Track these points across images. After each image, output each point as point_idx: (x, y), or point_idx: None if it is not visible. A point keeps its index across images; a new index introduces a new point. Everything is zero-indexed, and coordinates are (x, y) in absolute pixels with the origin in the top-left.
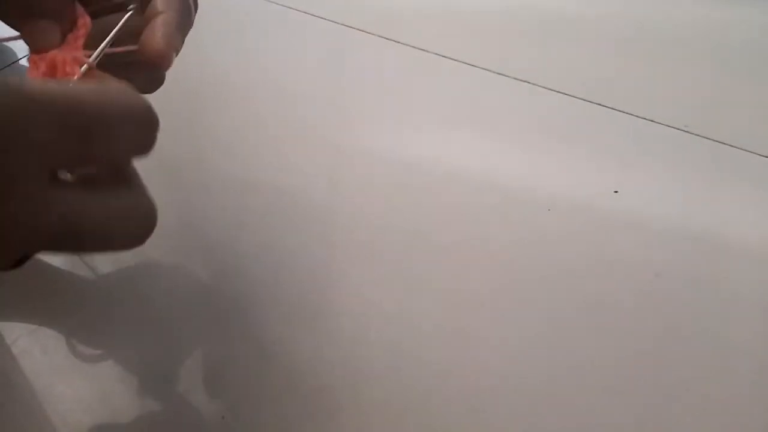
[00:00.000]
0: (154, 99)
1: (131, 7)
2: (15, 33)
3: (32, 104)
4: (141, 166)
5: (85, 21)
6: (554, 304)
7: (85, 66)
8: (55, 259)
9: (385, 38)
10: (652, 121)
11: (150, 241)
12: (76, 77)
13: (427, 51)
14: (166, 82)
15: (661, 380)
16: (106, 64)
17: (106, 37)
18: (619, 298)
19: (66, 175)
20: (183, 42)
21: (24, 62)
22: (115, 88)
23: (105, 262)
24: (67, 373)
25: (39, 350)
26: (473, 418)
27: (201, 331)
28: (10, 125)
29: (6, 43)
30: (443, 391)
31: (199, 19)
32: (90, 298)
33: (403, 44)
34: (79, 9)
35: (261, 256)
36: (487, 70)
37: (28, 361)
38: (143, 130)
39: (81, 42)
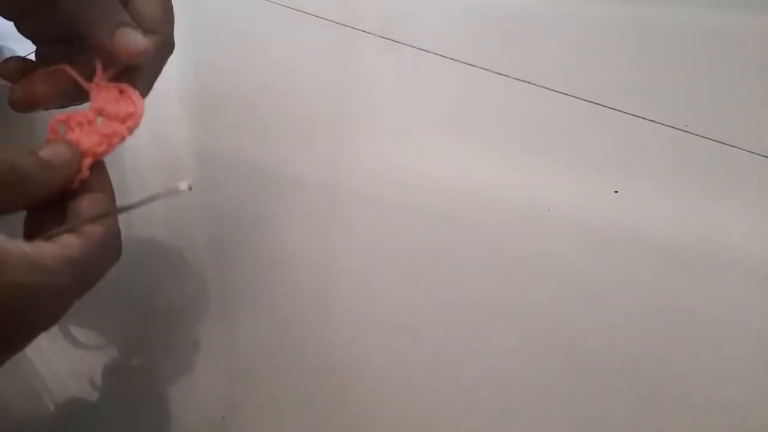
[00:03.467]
0: (152, 99)
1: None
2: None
3: None
4: (142, 161)
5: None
6: (553, 304)
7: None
8: None
9: (385, 38)
10: (652, 121)
11: (149, 239)
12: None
13: (427, 51)
14: (165, 83)
15: (660, 380)
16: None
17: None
18: (618, 297)
19: None
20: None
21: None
22: None
23: None
24: (66, 372)
25: (45, 342)
26: (473, 418)
27: (200, 330)
28: None
29: (4, 44)
30: (443, 391)
31: (200, 19)
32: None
33: (404, 44)
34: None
35: (260, 256)
36: (487, 70)
37: (32, 351)
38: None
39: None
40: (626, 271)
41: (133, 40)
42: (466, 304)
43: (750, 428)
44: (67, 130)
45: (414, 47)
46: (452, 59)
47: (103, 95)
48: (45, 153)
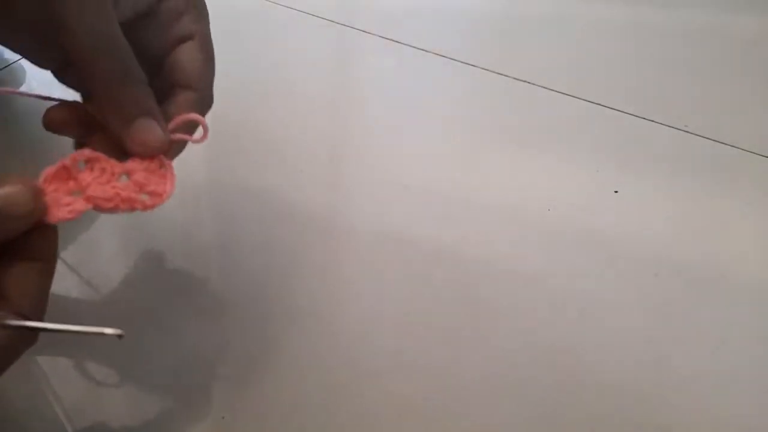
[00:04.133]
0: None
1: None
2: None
3: None
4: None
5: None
6: (553, 304)
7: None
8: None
9: (385, 38)
10: (652, 121)
11: (151, 242)
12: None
13: (427, 51)
14: None
15: (660, 379)
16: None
17: None
18: (618, 298)
19: None
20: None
21: (23, 64)
22: None
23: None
24: (69, 371)
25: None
26: (473, 418)
27: (201, 331)
28: None
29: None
30: (443, 393)
31: None
32: (90, 295)
33: (404, 44)
34: None
35: (261, 258)
36: (487, 70)
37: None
38: None
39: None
40: (626, 271)
41: (153, 136)
42: (466, 303)
43: (750, 427)
44: (85, 169)
45: (414, 47)
46: (452, 59)
47: (142, 162)
48: (1, 195)
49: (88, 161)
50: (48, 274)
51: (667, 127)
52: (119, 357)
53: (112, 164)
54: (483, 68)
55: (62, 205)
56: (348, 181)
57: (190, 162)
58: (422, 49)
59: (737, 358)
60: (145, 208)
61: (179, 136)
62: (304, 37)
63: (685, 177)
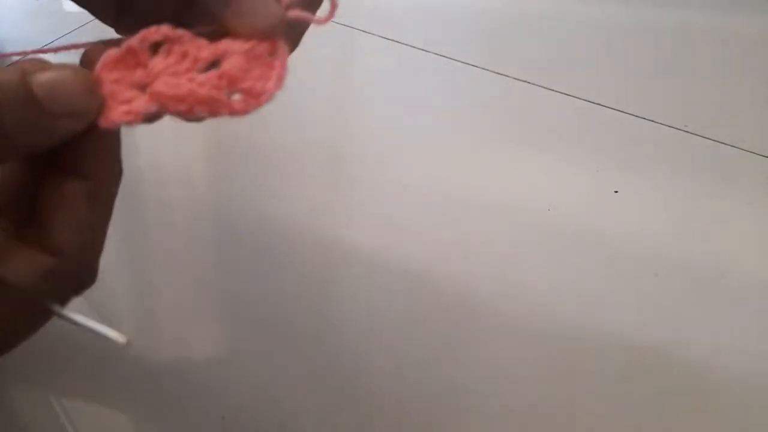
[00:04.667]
0: None
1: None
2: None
3: None
4: (142, 171)
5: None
6: (554, 303)
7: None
8: None
9: (386, 38)
10: (652, 121)
11: (151, 243)
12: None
13: (427, 51)
14: None
15: (661, 379)
16: None
17: None
18: (619, 298)
19: None
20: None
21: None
22: None
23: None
24: (67, 370)
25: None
26: (475, 420)
27: (201, 332)
28: None
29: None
30: (444, 393)
31: None
32: (88, 295)
33: (404, 44)
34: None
35: (261, 259)
36: (487, 70)
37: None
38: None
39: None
40: (626, 271)
41: (263, 6)
42: (467, 303)
43: (750, 427)
44: (161, 52)
45: (414, 47)
46: (452, 59)
47: (243, 44)
48: (43, 82)
49: (166, 41)
50: (103, 200)
51: (667, 127)
52: (120, 357)
53: (199, 45)
54: (483, 68)
55: (120, 102)
56: (348, 181)
57: (189, 162)
58: (422, 49)
59: (737, 357)
60: (234, 112)
61: (298, 13)
62: (304, 37)
63: (685, 177)
